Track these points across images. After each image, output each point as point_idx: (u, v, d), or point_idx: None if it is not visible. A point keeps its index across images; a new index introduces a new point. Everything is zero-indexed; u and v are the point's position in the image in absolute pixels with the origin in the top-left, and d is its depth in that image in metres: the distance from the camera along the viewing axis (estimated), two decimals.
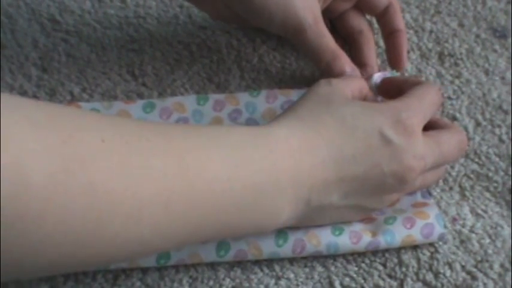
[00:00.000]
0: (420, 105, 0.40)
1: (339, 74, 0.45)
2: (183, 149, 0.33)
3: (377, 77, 0.48)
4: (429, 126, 0.41)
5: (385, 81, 0.46)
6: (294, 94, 0.48)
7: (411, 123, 0.38)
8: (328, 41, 0.45)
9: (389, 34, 0.50)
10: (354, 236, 0.41)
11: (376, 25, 0.52)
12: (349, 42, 0.51)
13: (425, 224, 0.41)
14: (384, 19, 0.50)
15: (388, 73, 0.49)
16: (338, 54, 0.46)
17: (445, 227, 0.43)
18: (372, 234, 0.41)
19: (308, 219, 0.39)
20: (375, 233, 0.41)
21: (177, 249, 0.40)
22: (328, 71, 0.45)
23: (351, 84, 0.42)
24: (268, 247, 0.41)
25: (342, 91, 0.40)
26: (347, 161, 0.37)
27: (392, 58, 0.50)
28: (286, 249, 0.41)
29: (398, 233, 0.41)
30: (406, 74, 0.51)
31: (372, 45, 0.50)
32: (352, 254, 0.42)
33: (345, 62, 0.46)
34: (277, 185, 0.35)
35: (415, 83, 0.42)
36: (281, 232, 0.41)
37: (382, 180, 0.38)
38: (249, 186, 0.34)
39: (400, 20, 0.50)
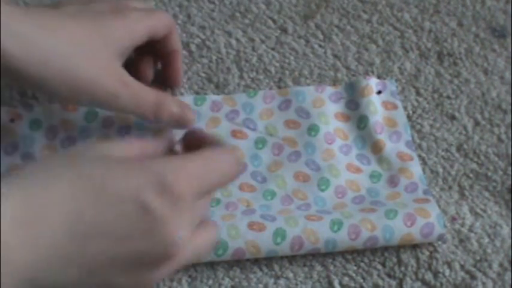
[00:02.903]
0: (201, 170, 0.32)
1: (169, 118, 0.43)
2: None
3: (376, 84, 0.48)
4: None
5: (188, 134, 0.37)
6: (291, 94, 0.48)
7: (179, 189, 0.31)
8: (145, 95, 0.42)
9: (167, 55, 0.48)
10: (353, 232, 0.41)
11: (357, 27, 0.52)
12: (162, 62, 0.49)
13: (425, 223, 0.41)
14: (161, 41, 0.47)
15: (388, 82, 0.49)
16: (160, 100, 0.43)
17: (445, 226, 0.43)
18: (371, 228, 0.41)
19: None
20: (374, 227, 0.41)
21: None
22: (157, 121, 0.43)
23: (131, 144, 0.34)
24: (266, 245, 0.41)
25: (102, 147, 0.33)
26: (89, 232, 0.29)
27: (170, 77, 0.48)
28: (284, 247, 0.41)
29: (397, 231, 0.41)
30: (406, 74, 0.51)
31: (176, 32, 0.48)
32: (352, 253, 0.42)
33: (170, 103, 0.43)
34: None
35: (214, 143, 0.35)
36: (279, 230, 0.41)
37: (136, 256, 0.31)
38: None
39: (177, 39, 0.48)
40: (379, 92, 0.49)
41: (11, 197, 0.28)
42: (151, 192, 0.30)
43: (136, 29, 0.44)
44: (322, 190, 0.44)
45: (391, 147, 0.46)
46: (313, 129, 0.47)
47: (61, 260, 0.29)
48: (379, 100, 0.48)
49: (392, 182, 0.45)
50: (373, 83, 0.48)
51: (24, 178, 0.29)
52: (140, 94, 0.42)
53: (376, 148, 0.46)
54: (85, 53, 0.40)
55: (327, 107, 0.48)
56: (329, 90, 0.49)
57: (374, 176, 0.45)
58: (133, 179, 0.30)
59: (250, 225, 0.41)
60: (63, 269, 0.30)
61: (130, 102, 0.42)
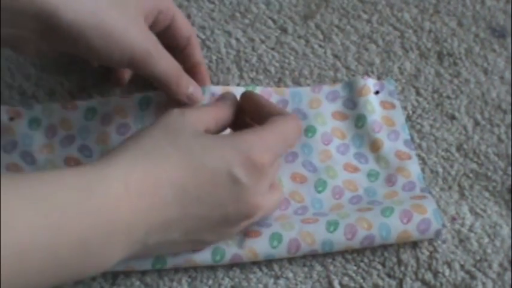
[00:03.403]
0: (275, 142, 0.39)
1: (186, 92, 0.44)
2: None
3: (373, 84, 0.48)
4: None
5: (245, 97, 0.43)
6: (288, 93, 0.48)
7: (262, 162, 0.37)
8: (171, 60, 0.43)
9: (191, 68, 0.48)
10: (349, 232, 0.41)
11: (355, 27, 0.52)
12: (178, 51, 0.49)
13: (422, 219, 0.41)
14: (185, 53, 0.48)
15: (386, 82, 0.49)
16: (181, 71, 0.44)
17: (444, 225, 0.43)
18: (367, 226, 0.41)
19: (145, 254, 0.38)
20: (370, 225, 0.41)
21: None
22: (177, 92, 0.44)
23: (205, 116, 0.40)
24: (263, 249, 0.41)
25: (194, 124, 0.38)
26: (190, 201, 0.36)
27: None
28: (281, 250, 0.41)
29: (394, 228, 0.41)
30: (405, 74, 0.51)
31: (199, 45, 0.49)
32: (351, 253, 0.42)
33: (188, 82, 0.44)
34: (108, 239, 0.33)
35: (275, 112, 0.41)
36: (275, 234, 0.41)
37: (225, 218, 0.37)
38: (74, 247, 0.31)
39: (200, 53, 0.49)
40: (376, 92, 0.49)
41: (134, 172, 0.34)
42: (240, 167, 0.36)
43: None
44: (319, 192, 0.44)
45: (389, 145, 0.46)
46: (310, 131, 0.47)
47: (166, 225, 0.35)
48: (377, 100, 0.48)
49: (390, 180, 0.45)
50: (370, 83, 0.48)
51: (141, 153, 0.35)
52: (168, 57, 0.43)
53: (374, 147, 0.46)
54: (115, 3, 0.41)
55: (323, 106, 0.48)
56: (326, 89, 0.49)
57: (372, 175, 0.45)
58: (225, 156, 0.36)
59: (247, 234, 0.41)
60: (167, 231, 0.36)
61: (160, 62, 0.42)
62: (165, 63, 0.42)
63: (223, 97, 0.44)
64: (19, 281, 0.30)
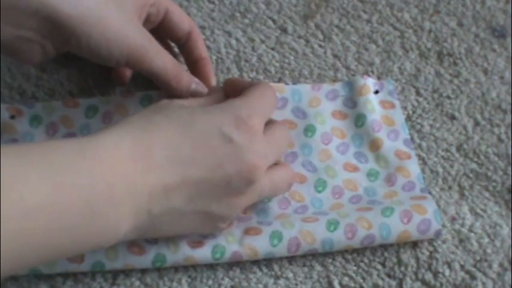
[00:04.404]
0: (260, 104, 0.40)
1: (187, 86, 0.44)
2: None
3: (373, 84, 0.48)
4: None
5: (226, 83, 0.44)
6: (287, 91, 0.48)
7: (253, 122, 0.38)
8: (167, 56, 0.43)
9: (194, 63, 0.49)
10: (349, 231, 0.41)
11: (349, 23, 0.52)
12: (179, 46, 0.50)
13: (422, 219, 0.41)
14: (187, 47, 0.48)
15: (385, 82, 0.49)
16: (179, 66, 0.44)
17: (444, 226, 0.43)
18: (367, 226, 0.41)
19: (153, 230, 0.37)
20: (370, 225, 0.41)
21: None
22: (178, 89, 0.44)
23: (194, 102, 0.40)
24: (263, 247, 0.41)
25: (176, 102, 0.39)
26: (186, 163, 0.35)
27: None
28: (281, 248, 0.41)
29: (394, 228, 0.41)
30: (405, 74, 0.51)
31: (202, 40, 0.49)
32: (351, 253, 0.42)
33: (190, 79, 0.44)
34: (110, 199, 0.33)
35: (253, 84, 0.42)
36: (275, 232, 0.41)
37: (227, 181, 0.37)
38: (78, 207, 0.31)
39: (203, 47, 0.49)
40: (376, 92, 0.49)
41: (125, 139, 0.34)
42: (231, 125, 0.37)
43: None
44: (319, 191, 0.44)
45: (389, 145, 0.46)
46: (309, 130, 0.47)
47: (167, 188, 0.35)
48: (376, 99, 0.48)
49: (390, 180, 0.45)
50: (370, 82, 0.48)
51: (130, 125, 0.36)
52: (164, 53, 0.43)
53: (374, 146, 0.46)
54: (113, 0, 0.41)
55: (323, 106, 0.48)
56: (326, 87, 0.49)
57: (371, 174, 0.45)
58: (214, 117, 0.37)
59: (247, 231, 0.41)
60: (169, 197, 0.35)
61: (156, 58, 0.42)
62: (161, 60, 0.43)
63: (210, 89, 0.45)
64: (26, 242, 0.30)
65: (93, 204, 0.32)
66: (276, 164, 0.40)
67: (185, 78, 0.44)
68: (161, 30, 0.47)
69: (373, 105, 0.48)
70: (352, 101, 0.48)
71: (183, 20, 0.48)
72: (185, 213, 0.37)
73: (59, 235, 0.31)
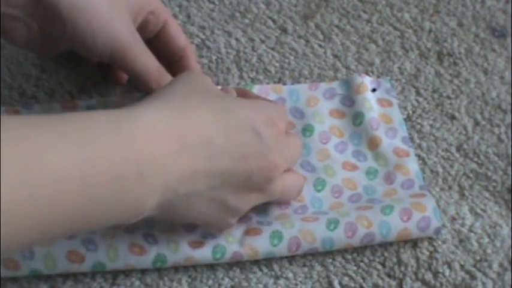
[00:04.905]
0: (285, 112, 0.41)
1: None
2: (30, 150, 0.29)
3: (370, 82, 0.49)
4: None
5: (239, 91, 0.44)
6: (285, 91, 0.48)
7: (280, 124, 0.39)
8: (151, 57, 0.44)
9: None
10: (349, 229, 0.41)
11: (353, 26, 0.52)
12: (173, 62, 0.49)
13: (422, 217, 0.41)
14: (180, 65, 0.48)
15: (383, 80, 0.49)
16: (162, 69, 0.44)
17: (444, 226, 0.43)
18: (367, 224, 0.41)
19: (173, 210, 0.36)
20: (370, 223, 0.41)
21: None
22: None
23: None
24: (263, 247, 0.41)
25: (213, 86, 0.40)
26: (218, 153, 0.36)
27: None
28: (282, 248, 0.41)
29: (394, 226, 0.41)
30: (405, 74, 0.51)
31: (195, 59, 0.49)
32: (351, 253, 0.42)
33: (168, 75, 0.44)
34: (140, 177, 0.33)
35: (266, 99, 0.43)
36: (275, 232, 0.41)
37: (249, 175, 0.37)
38: (108, 181, 0.31)
39: (196, 66, 0.49)
40: (373, 90, 0.49)
41: (162, 119, 0.34)
42: (263, 123, 0.37)
43: None
44: (319, 191, 0.44)
45: (388, 143, 0.46)
46: (308, 130, 0.47)
47: (194, 175, 0.35)
48: (374, 97, 0.48)
49: (389, 178, 0.45)
50: (367, 81, 0.48)
51: (167, 103, 0.35)
52: (148, 54, 0.43)
53: (373, 144, 0.46)
54: None
55: (321, 105, 0.48)
56: (323, 86, 0.49)
57: (370, 173, 0.45)
58: (249, 114, 0.37)
59: (247, 232, 0.41)
60: (195, 182, 0.35)
61: (141, 57, 0.43)
62: (145, 59, 0.43)
63: (223, 89, 0.44)
64: (56, 211, 0.30)
65: (124, 180, 0.32)
66: (289, 170, 0.41)
67: (167, 81, 0.43)
68: (157, 42, 0.47)
69: (371, 103, 0.48)
70: (350, 99, 0.48)
71: (179, 36, 0.48)
72: (203, 200, 0.37)
73: (87, 207, 0.31)
